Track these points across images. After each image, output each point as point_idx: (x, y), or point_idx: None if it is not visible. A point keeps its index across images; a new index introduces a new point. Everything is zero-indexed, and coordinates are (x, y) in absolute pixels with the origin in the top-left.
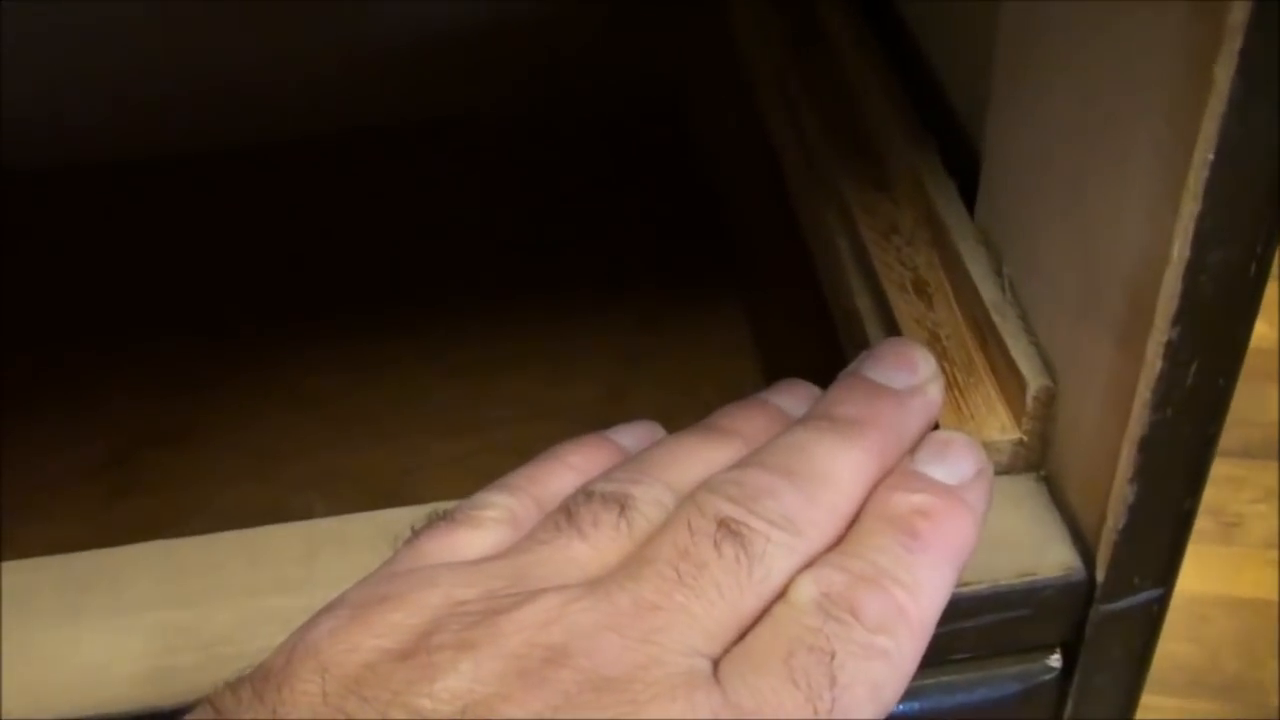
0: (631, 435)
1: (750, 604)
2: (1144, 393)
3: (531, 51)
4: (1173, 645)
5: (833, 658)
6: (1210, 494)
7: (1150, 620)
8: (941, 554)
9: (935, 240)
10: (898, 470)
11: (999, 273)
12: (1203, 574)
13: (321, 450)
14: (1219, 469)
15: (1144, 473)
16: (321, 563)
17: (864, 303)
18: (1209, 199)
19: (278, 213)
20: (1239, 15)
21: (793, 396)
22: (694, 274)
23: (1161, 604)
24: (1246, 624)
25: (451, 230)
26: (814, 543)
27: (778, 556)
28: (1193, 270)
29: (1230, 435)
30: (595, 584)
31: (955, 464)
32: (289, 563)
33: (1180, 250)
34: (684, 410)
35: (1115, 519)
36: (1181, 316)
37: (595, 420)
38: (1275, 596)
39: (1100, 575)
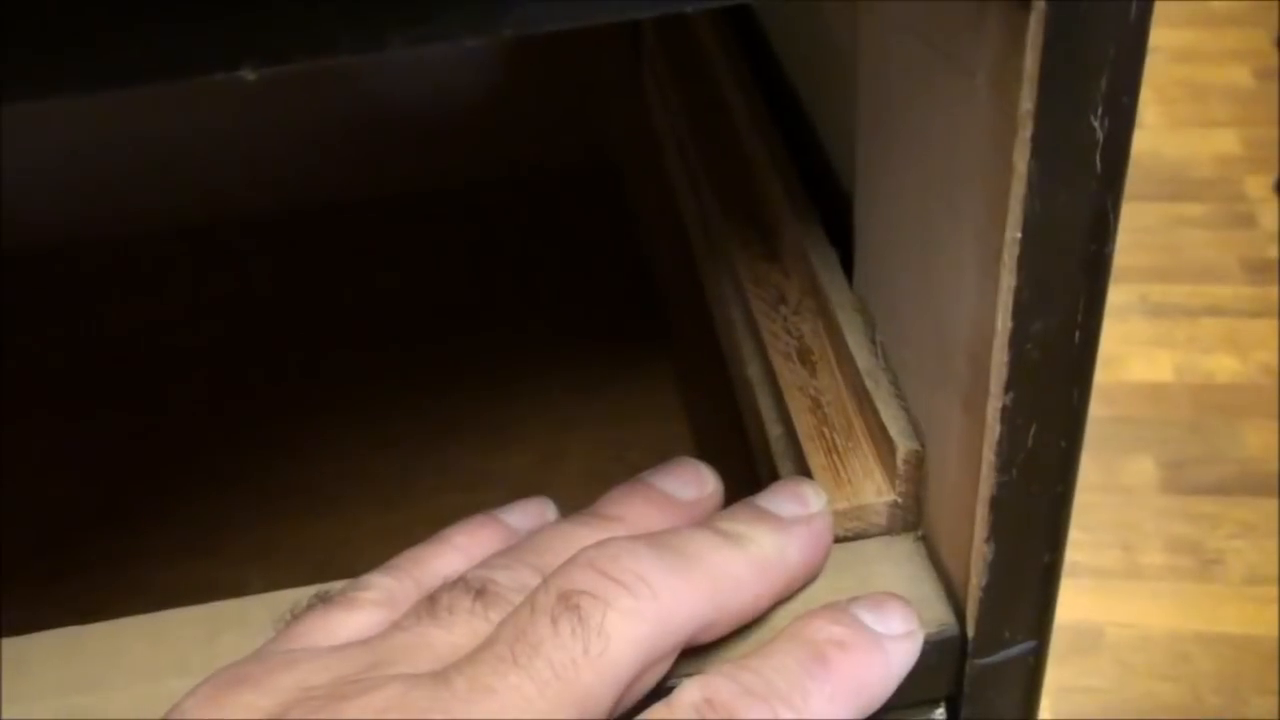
0: (520, 514)
1: (588, 679)
2: (989, 455)
3: (467, 128)
4: (1154, 684)
5: None
6: (1188, 531)
7: (1028, 672)
8: (844, 686)
9: (819, 309)
10: (830, 604)
11: (873, 340)
12: (1183, 611)
13: (257, 525)
14: (1195, 506)
15: (998, 532)
16: (223, 644)
17: (755, 371)
18: (1022, 274)
19: (210, 291)
20: (1028, 104)
21: (678, 479)
22: (626, 341)
23: (1038, 655)
24: (1228, 661)
25: (383, 302)
26: (669, 608)
27: (618, 623)
28: (1017, 339)
29: (1206, 472)
30: (440, 671)
31: (888, 619)
32: (191, 645)
33: (1004, 321)
34: (615, 475)
35: (979, 576)
36: (1013, 383)
37: (529, 487)
38: (1256, 632)
39: (971, 631)
